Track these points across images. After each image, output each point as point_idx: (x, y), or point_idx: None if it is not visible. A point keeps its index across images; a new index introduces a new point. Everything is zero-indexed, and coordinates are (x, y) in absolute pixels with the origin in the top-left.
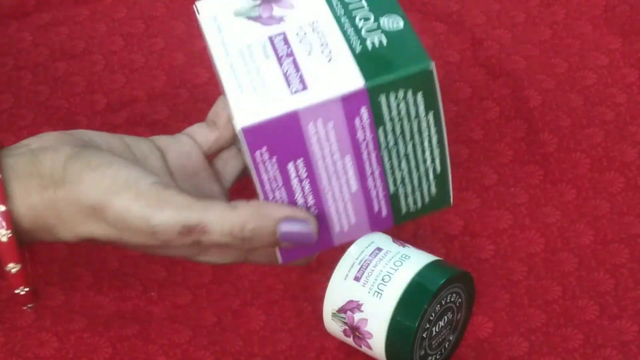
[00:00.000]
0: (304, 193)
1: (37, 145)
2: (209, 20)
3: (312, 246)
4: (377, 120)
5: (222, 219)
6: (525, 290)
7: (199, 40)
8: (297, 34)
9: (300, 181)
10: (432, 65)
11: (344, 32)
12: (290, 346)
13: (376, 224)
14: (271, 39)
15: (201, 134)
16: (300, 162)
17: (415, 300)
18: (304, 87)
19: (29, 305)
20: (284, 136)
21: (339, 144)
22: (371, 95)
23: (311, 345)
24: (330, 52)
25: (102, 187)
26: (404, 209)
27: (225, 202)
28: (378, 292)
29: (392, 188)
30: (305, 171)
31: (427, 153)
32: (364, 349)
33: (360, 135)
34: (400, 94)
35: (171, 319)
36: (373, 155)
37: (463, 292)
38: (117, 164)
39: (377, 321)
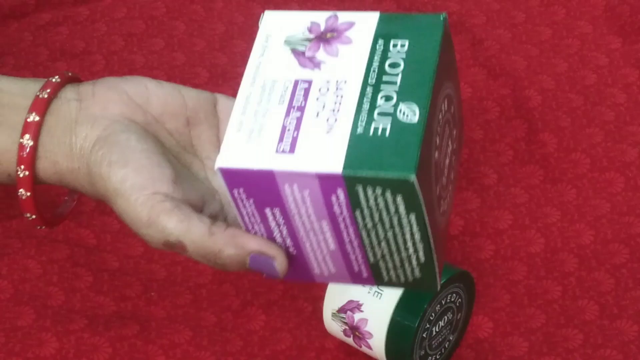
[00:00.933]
0: (282, 235)
1: (86, 106)
2: (262, 37)
3: (295, 274)
4: (353, 203)
5: (199, 244)
6: (525, 290)
7: (199, 40)
8: (320, 89)
9: (278, 225)
10: (414, 178)
11: (360, 105)
12: (290, 346)
13: (357, 280)
14: (296, 84)
15: None
16: (277, 210)
17: (415, 300)
18: (291, 150)
19: (40, 227)
20: (260, 187)
21: (315, 209)
22: (347, 182)
23: (311, 345)
24: (335, 121)
25: (111, 185)
26: (385, 278)
27: (207, 225)
28: (378, 292)
29: (371, 259)
30: (283, 219)
31: (410, 244)
32: (364, 349)
33: (337, 209)
34: (378, 190)
35: (171, 319)
36: (351, 229)
37: (463, 292)
38: (132, 164)
39: (377, 321)
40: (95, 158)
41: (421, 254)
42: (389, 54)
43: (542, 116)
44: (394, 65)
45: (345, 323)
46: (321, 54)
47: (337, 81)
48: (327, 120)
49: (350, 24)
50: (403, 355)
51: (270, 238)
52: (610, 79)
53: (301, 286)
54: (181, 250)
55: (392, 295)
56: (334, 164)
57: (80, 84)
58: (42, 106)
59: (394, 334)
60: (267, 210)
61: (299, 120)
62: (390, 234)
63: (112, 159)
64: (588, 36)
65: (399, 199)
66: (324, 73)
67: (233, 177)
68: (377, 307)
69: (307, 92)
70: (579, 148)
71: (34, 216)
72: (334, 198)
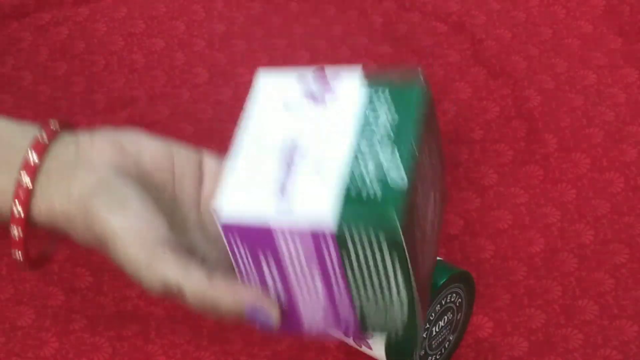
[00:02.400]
0: (273, 279)
1: (84, 153)
2: (256, 95)
3: (285, 327)
4: (343, 253)
5: (198, 292)
6: (525, 290)
7: (199, 40)
8: (312, 145)
9: (271, 274)
10: (400, 233)
11: (349, 160)
12: (290, 346)
13: (344, 327)
14: (290, 139)
15: None
16: (270, 256)
17: None
18: (286, 207)
19: (25, 269)
20: (256, 237)
21: (306, 255)
22: (338, 236)
23: (311, 345)
24: (327, 176)
25: (110, 229)
26: (370, 326)
27: (205, 274)
28: None
29: (357, 304)
30: (275, 265)
31: (394, 291)
32: (364, 348)
33: (326, 258)
34: (366, 244)
35: (171, 319)
36: (339, 274)
37: (463, 292)
38: (131, 209)
39: None
40: (94, 202)
41: (404, 298)
42: (375, 108)
43: (542, 116)
44: (379, 122)
45: None
46: (312, 110)
47: (327, 136)
48: (320, 175)
49: (338, 80)
50: (403, 355)
51: (263, 282)
52: (610, 79)
53: None
54: (179, 295)
55: None
56: (326, 220)
57: (78, 132)
58: (42, 148)
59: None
60: (261, 256)
61: (292, 175)
62: (376, 280)
63: (112, 203)
64: (588, 36)
65: (386, 251)
66: (315, 129)
67: (231, 229)
68: None
69: (300, 147)
70: (579, 148)
71: (21, 257)
72: (325, 249)
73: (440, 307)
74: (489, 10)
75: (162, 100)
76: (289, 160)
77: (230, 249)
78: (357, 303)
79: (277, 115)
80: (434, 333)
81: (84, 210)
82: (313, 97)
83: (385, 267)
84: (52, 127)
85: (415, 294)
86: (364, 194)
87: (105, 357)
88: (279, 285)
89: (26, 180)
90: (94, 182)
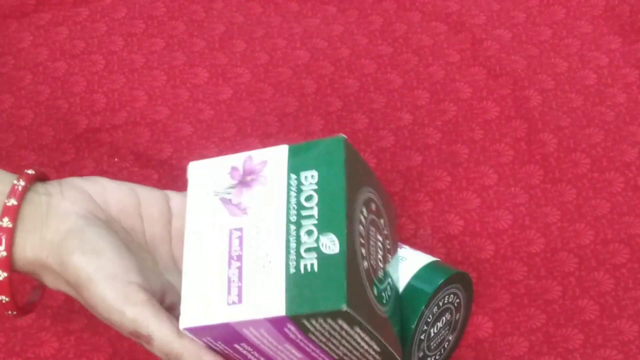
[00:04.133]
0: (255, 356)
1: (55, 202)
2: (192, 189)
3: None
4: (305, 330)
5: (165, 344)
6: (525, 290)
7: (199, 40)
8: (251, 235)
9: (249, 352)
10: (345, 307)
11: (288, 246)
12: None
13: None
14: (230, 234)
15: None
16: (244, 344)
17: (412, 302)
18: (239, 301)
19: (12, 312)
20: (223, 333)
21: (274, 338)
22: (292, 319)
23: None
24: (270, 263)
25: (85, 274)
26: None
27: (176, 327)
28: None
29: (336, 358)
30: (251, 348)
31: (363, 344)
32: None
33: (292, 336)
34: (321, 320)
35: None
36: (311, 345)
37: (461, 292)
38: (104, 254)
39: None
40: (68, 248)
41: (375, 346)
42: (302, 188)
43: (542, 116)
44: (309, 198)
45: None
46: (245, 199)
47: (264, 224)
48: (264, 266)
49: (264, 163)
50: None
51: (245, 358)
52: (610, 79)
53: None
54: (146, 342)
55: None
56: (277, 308)
57: (48, 182)
58: (19, 194)
59: None
60: (236, 345)
61: (240, 270)
62: (344, 341)
63: (85, 249)
64: (588, 36)
65: (341, 321)
66: (252, 218)
67: (197, 331)
68: None
69: (241, 240)
70: (579, 148)
71: (8, 299)
72: (287, 330)
73: (438, 308)
74: (489, 10)
75: (162, 100)
76: (234, 255)
77: (208, 346)
78: (335, 357)
79: (215, 210)
80: (432, 334)
81: (57, 257)
82: (245, 186)
83: (347, 332)
84: (29, 173)
85: (383, 341)
86: (306, 273)
87: (105, 357)
88: (263, 359)
89: (7, 222)
90: (66, 230)
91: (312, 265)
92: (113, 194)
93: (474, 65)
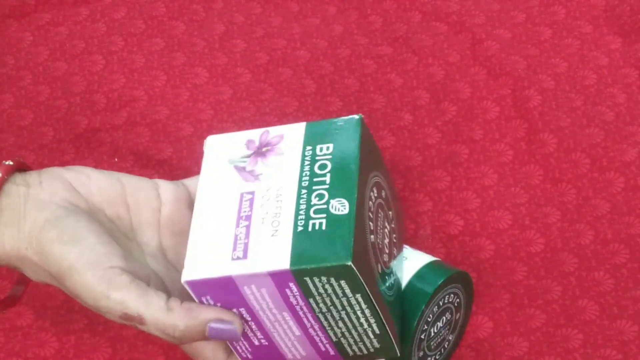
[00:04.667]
0: (251, 329)
1: (34, 193)
2: (208, 159)
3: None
4: (306, 292)
5: (157, 319)
6: (525, 290)
7: (199, 40)
8: (263, 197)
9: (247, 321)
10: (350, 262)
11: (297, 207)
12: None
13: (327, 358)
14: (241, 197)
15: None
16: (242, 309)
17: (412, 302)
18: (244, 256)
19: None
20: (223, 291)
21: (274, 303)
22: (296, 276)
23: None
24: (278, 224)
25: (66, 262)
26: (350, 353)
27: (164, 300)
28: None
29: (334, 338)
30: (249, 316)
31: (362, 320)
32: None
33: (292, 300)
34: (324, 279)
35: None
36: (309, 315)
37: (461, 292)
38: (85, 242)
39: None
40: (47, 238)
41: (374, 327)
42: (317, 158)
43: (542, 116)
44: (322, 167)
45: None
46: (259, 167)
47: (276, 188)
48: (272, 224)
49: (281, 137)
50: (402, 356)
51: (243, 334)
52: (610, 79)
53: None
54: (139, 322)
55: None
56: (282, 262)
57: (27, 172)
58: None
59: None
60: (235, 311)
61: (247, 229)
62: (344, 314)
63: (65, 238)
64: (588, 36)
65: (343, 283)
66: (264, 183)
67: (199, 287)
68: None
69: (251, 202)
70: (579, 148)
71: None
72: (288, 291)
73: (438, 308)
74: (489, 10)
75: (162, 100)
76: (243, 215)
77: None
78: (333, 337)
79: (228, 176)
80: (432, 334)
81: (36, 248)
82: (260, 156)
83: (349, 300)
84: (6, 164)
85: (383, 320)
86: (314, 231)
87: (105, 357)
88: (258, 333)
89: None
90: (44, 221)
91: (320, 224)
92: (96, 182)
93: (474, 65)
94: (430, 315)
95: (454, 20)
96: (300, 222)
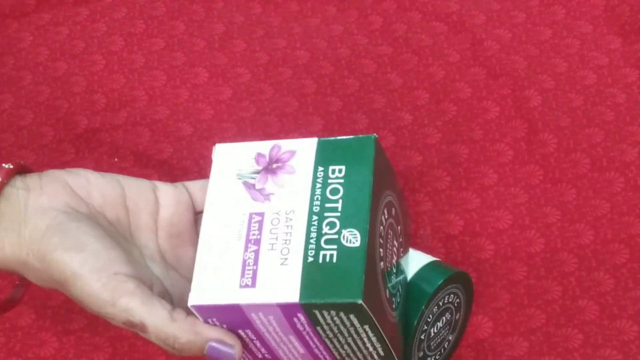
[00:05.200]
0: (256, 347)
1: (34, 197)
2: (216, 171)
3: None
4: (314, 322)
5: (160, 328)
6: (525, 290)
7: (199, 40)
8: (272, 221)
9: (251, 340)
10: (361, 301)
11: (308, 235)
12: None
13: None
14: (250, 218)
15: (199, 192)
16: (249, 331)
17: (412, 302)
18: (253, 284)
19: None
20: (230, 316)
21: (281, 328)
22: (305, 308)
23: None
24: (288, 252)
25: (69, 269)
26: None
27: (168, 311)
28: None
29: (338, 357)
30: (255, 336)
31: (368, 345)
32: None
33: (300, 327)
34: (333, 312)
35: None
36: (315, 339)
37: (461, 292)
38: (88, 248)
39: None
40: (49, 245)
41: (380, 350)
42: (329, 181)
43: (542, 116)
44: (334, 191)
45: None
46: (270, 186)
47: (286, 212)
48: (281, 251)
49: (292, 153)
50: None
51: (246, 348)
52: (610, 79)
53: None
54: (141, 330)
55: None
56: (291, 294)
57: (27, 175)
58: None
59: None
60: (240, 331)
61: (256, 254)
62: (350, 340)
63: (67, 244)
64: (588, 36)
65: (352, 316)
66: (274, 204)
67: (205, 310)
68: None
69: (260, 224)
70: (579, 148)
71: None
72: (295, 320)
73: (438, 308)
74: (489, 10)
75: (162, 100)
76: (251, 239)
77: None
78: (337, 356)
79: (236, 194)
80: (432, 334)
81: (37, 254)
82: (270, 173)
83: (356, 329)
84: (6, 167)
85: (389, 345)
86: (324, 263)
87: (105, 357)
88: (263, 350)
89: None
90: (45, 226)
91: (331, 256)
92: (96, 185)
93: (474, 65)
94: (430, 316)
95: (454, 20)
96: (311, 253)
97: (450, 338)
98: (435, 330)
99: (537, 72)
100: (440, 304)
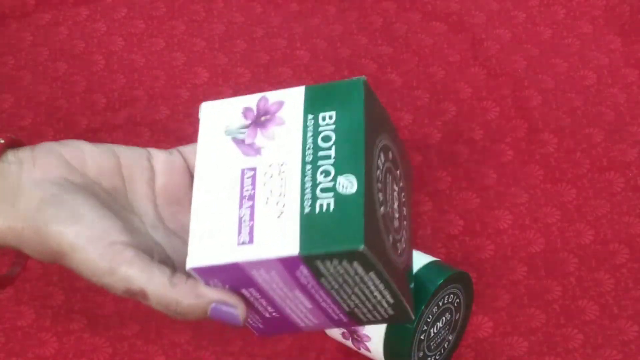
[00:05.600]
0: (262, 305)
1: (27, 169)
2: (204, 130)
3: (282, 329)
4: (317, 274)
5: (160, 294)
6: (525, 290)
7: (199, 40)
8: (265, 174)
9: (257, 299)
10: (363, 247)
11: (303, 186)
12: (290, 346)
13: (340, 325)
14: (242, 173)
15: (194, 156)
16: (252, 289)
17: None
18: (250, 241)
19: None
20: (231, 275)
21: (284, 283)
22: (306, 260)
23: (311, 346)
24: (284, 205)
25: (66, 241)
26: (364, 320)
27: (168, 276)
28: None
29: (347, 309)
30: (259, 294)
31: (376, 293)
32: (362, 351)
33: (303, 281)
34: (335, 261)
35: (171, 319)
36: (321, 292)
37: (461, 292)
38: (83, 219)
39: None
40: (44, 217)
41: (388, 297)
42: (320, 129)
43: (542, 116)
44: (326, 139)
45: None
46: (259, 139)
47: (278, 164)
48: (277, 204)
49: (280, 104)
50: (401, 357)
51: (252, 308)
52: (610, 79)
53: None
54: (142, 298)
55: None
56: (291, 248)
57: (19, 149)
58: None
59: (392, 337)
60: (244, 290)
61: (251, 210)
62: (357, 289)
63: (62, 216)
64: (588, 36)
65: (356, 264)
66: (265, 158)
67: (205, 272)
68: None
69: (253, 179)
70: (579, 148)
71: None
72: (298, 273)
73: (438, 308)
74: (489, 10)
75: (162, 100)
76: (245, 195)
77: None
78: (346, 308)
79: (227, 150)
80: (432, 334)
81: (33, 227)
82: (259, 126)
83: (362, 278)
84: None
85: (397, 291)
86: (322, 213)
87: (105, 357)
88: (269, 308)
89: None
90: (39, 200)
91: (328, 204)
92: (91, 155)
93: (474, 65)
94: (430, 316)
95: (454, 20)
96: (307, 203)
97: (450, 338)
98: (435, 331)
99: (537, 72)
100: (440, 304)
